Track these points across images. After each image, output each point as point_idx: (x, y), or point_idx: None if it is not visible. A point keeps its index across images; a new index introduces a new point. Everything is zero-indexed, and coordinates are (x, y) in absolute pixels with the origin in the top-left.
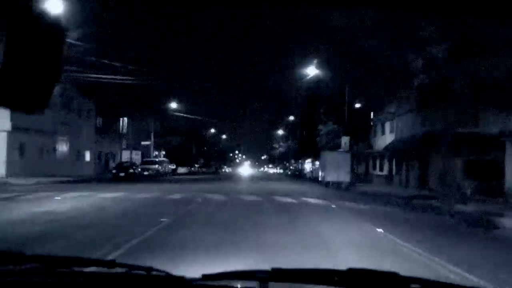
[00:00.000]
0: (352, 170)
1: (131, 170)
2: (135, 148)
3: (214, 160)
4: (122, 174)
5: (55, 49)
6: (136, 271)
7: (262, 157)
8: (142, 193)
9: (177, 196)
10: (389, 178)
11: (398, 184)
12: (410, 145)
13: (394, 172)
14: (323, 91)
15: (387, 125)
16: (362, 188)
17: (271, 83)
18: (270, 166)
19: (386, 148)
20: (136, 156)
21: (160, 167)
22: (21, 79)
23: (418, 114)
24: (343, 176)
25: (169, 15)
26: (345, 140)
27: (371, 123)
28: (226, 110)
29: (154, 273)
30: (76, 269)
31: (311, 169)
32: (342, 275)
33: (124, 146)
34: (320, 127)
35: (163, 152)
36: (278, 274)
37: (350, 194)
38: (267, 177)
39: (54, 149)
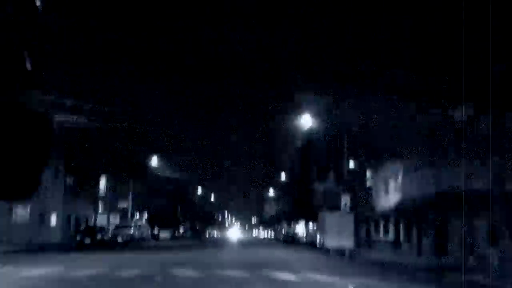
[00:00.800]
0: (356, 234)
1: (99, 236)
2: (112, 210)
3: (202, 223)
4: (88, 241)
5: (42, 138)
6: None
7: (253, 220)
8: (87, 269)
9: (131, 272)
10: (395, 243)
11: (408, 250)
12: (421, 206)
13: (402, 237)
14: (317, 144)
15: (392, 183)
16: (369, 255)
17: (261, 137)
18: (261, 229)
19: (392, 209)
20: (114, 220)
21: (135, 232)
22: (8, 168)
23: (429, 169)
24: (346, 241)
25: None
26: (345, 199)
27: (372, 182)
28: (215, 169)
29: None
30: None
31: (304, 232)
32: None
33: (101, 210)
34: (316, 185)
35: (146, 215)
36: None
37: (359, 264)
38: (258, 242)
39: (10, 211)
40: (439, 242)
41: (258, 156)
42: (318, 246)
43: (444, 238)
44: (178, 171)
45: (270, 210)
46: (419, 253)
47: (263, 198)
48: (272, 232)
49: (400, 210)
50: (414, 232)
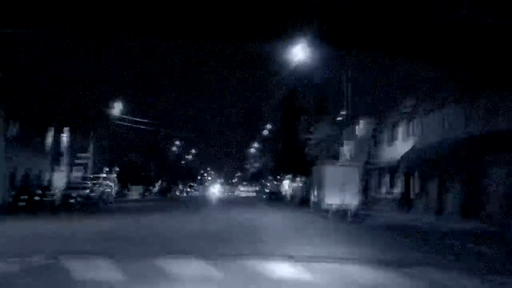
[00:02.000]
0: (364, 190)
1: (37, 197)
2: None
3: (178, 180)
4: (22, 203)
5: None
6: None
7: (236, 176)
8: None
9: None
10: (403, 201)
11: (423, 210)
12: (443, 153)
13: (413, 193)
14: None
15: (400, 130)
16: (376, 217)
17: (245, 84)
18: (245, 184)
19: (402, 159)
20: (77, 174)
21: (93, 192)
22: None
23: (455, 107)
24: (350, 199)
25: None
26: (347, 147)
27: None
28: (194, 120)
29: None
30: None
31: (290, 189)
32: None
33: (63, 165)
34: (309, 135)
35: (115, 172)
36: None
37: (371, 231)
38: (240, 201)
39: None
40: (468, 199)
41: (242, 110)
42: (312, 205)
43: (475, 195)
44: (149, 123)
45: (253, 166)
46: (439, 213)
47: (245, 154)
48: (256, 189)
49: (412, 160)
50: (432, 187)
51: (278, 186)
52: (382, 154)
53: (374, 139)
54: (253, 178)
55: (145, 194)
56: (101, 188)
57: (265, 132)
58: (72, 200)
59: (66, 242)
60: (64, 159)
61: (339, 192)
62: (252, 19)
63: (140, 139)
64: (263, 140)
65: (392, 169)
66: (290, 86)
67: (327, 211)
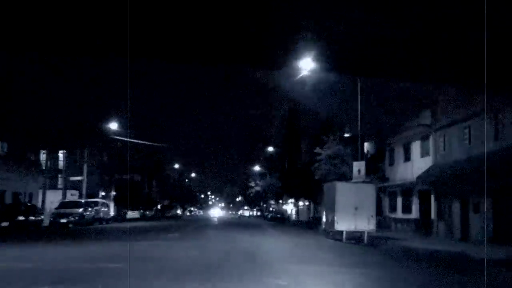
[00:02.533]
0: (378, 213)
1: (22, 217)
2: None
3: (183, 202)
4: (4, 224)
5: None
6: None
7: (237, 199)
8: None
9: None
10: (421, 224)
11: (444, 234)
12: (471, 171)
13: (434, 215)
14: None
15: (415, 147)
16: (394, 243)
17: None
18: (246, 208)
19: (419, 179)
20: (72, 197)
21: (87, 212)
22: None
23: (482, 119)
24: (365, 223)
25: None
26: (359, 166)
27: (386, 148)
28: (195, 143)
29: None
30: None
31: (294, 211)
32: None
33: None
34: (319, 151)
35: (113, 193)
36: None
37: (398, 260)
38: (244, 223)
39: None
40: (500, 222)
41: (243, 131)
42: (324, 229)
43: (508, 216)
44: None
45: (256, 187)
46: (464, 238)
47: (248, 176)
48: (258, 212)
49: (431, 179)
50: (455, 209)
51: (281, 208)
52: (395, 173)
53: (386, 157)
54: (255, 201)
55: (146, 213)
56: (96, 208)
57: (268, 152)
58: (63, 220)
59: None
60: (58, 180)
61: (353, 214)
62: (254, 45)
63: (139, 158)
64: (266, 162)
65: (408, 190)
66: (292, 103)
67: (337, 235)
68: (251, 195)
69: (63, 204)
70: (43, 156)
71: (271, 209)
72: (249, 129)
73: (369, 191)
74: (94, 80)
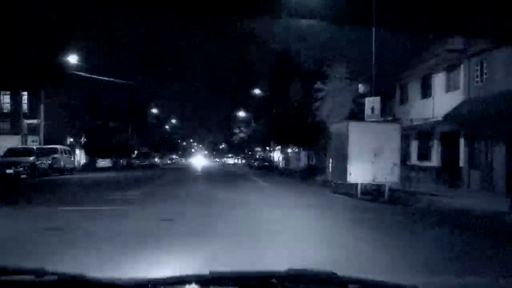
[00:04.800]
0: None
1: None
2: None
3: (163, 150)
4: None
5: None
6: (66, 279)
7: (221, 146)
8: None
9: None
10: (445, 173)
11: (479, 186)
12: None
13: (463, 161)
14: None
15: (438, 80)
16: (425, 199)
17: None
18: (230, 156)
19: (447, 118)
20: (34, 143)
21: (40, 161)
22: None
23: None
24: (387, 174)
25: None
26: (373, 102)
27: (395, 84)
28: (176, 88)
29: (86, 280)
30: (2, 278)
31: (280, 158)
32: (280, 277)
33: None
34: (319, 86)
35: (84, 139)
36: (218, 278)
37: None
38: (229, 173)
39: None
40: None
41: (228, 75)
42: (330, 180)
43: None
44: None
45: (240, 134)
46: (511, 191)
47: (232, 122)
48: (243, 160)
49: (465, 117)
50: (498, 154)
51: (269, 155)
52: (408, 113)
53: (397, 95)
54: (239, 148)
55: (119, 162)
56: (54, 156)
57: (254, 95)
58: (9, 171)
59: None
60: (6, 125)
61: (371, 162)
62: None
63: (112, 101)
64: (251, 107)
65: (427, 132)
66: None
67: (350, 187)
68: (235, 142)
69: (11, 152)
70: (1, 97)
71: (257, 156)
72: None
73: (393, 132)
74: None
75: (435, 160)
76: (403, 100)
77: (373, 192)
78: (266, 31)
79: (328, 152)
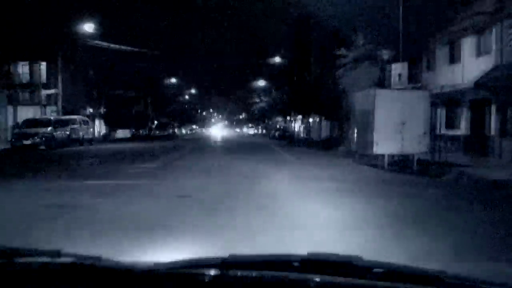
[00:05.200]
0: (432, 129)
1: None
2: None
3: (182, 120)
4: None
5: None
6: (83, 261)
7: (240, 116)
8: None
9: None
10: (474, 142)
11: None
12: None
13: (494, 130)
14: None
15: (467, 44)
16: (456, 170)
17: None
18: (250, 126)
19: (481, 81)
20: (53, 114)
21: (58, 131)
22: None
23: None
24: (415, 144)
25: None
26: (400, 69)
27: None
28: (194, 57)
29: (103, 263)
30: (17, 260)
31: (301, 128)
32: (302, 260)
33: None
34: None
35: (103, 110)
36: (236, 261)
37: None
38: (249, 144)
39: None
40: None
41: (246, 41)
42: (355, 151)
43: None
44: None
45: (260, 103)
46: None
47: (251, 91)
48: (262, 129)
49: (498, 83)
50: None
51: (289, 125)
52: (435, 80)
53: (423, 61)
54: (259, 118)
55: (138, 133)
56: (73, 127)
57: (274, 64)
58: (27, 142)
59: None
60: (25, 95)
61: (399, 131)
62: None
63: (130, 71)
64: (271, 75)
65: (455, 99)
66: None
67: (375, 158)
68: (255, 112)
69: (28, 122)
70: (21, 68)
71: (278, 126)
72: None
73: (421, 100)
74: None
75: (463, 129)
76: (430, 66)
77: (400, 163)
78: None
79: (352, 122)
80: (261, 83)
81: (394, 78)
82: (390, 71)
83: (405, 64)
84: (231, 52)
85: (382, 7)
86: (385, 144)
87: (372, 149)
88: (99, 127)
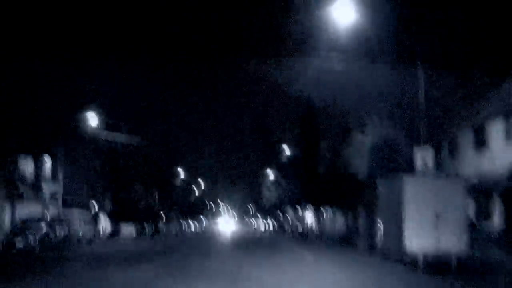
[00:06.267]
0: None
1: None
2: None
3: (191, 215)
4: None
5: None
6: None
7: (250, 209)
8: None
9: None
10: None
11: None
12: None
13: None
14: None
15: (496, 127)
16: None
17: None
18: (260, 219)
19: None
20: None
21: (57, 230)
22: None
23: None
24: (454, 240)
25: None
26: (425, 154)
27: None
28: (193, 147)
29: None
30: None
31: (314, 222)
32: None
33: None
34: (361, 136)
35: (110, 206)
36: None
37: None
38: (267, 245)
39: None
40: None
41: (251, 131)
42: (382, 247)
43: None
44: (144, 144)
45: (270, 196)
46: None
47: (259, 183)
48: (274, 223)
49: None
50: None
51: (306, 219)
52: (458, 167)
53: (444, 147)
54: (270, 210)
55: (145, 229)
56: (72, 227)
57: (284, 156)
58: (20, 245)
59: None
60: (27, 190)
61: (433, 225)
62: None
63: (137, 163)
64: (281, 167)
65: (484, 188)
66: (307, 101)
67: (404, 255)
68: (265, 203)
69: (22, 222)
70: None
71: (290, 222)
72: (261, 131)
73: (457, 189)
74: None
75: (496, 221)
76: (453, 152)
77: (434, 263)
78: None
79: (377, 214)
80: (271, 176)
81: (419, 164)
82: (411, 157)
83: (429, 149)
84: (239, 141)
85: (396, 86)
86: (418, 241)
87: (403, 247)
88: (104, 223)
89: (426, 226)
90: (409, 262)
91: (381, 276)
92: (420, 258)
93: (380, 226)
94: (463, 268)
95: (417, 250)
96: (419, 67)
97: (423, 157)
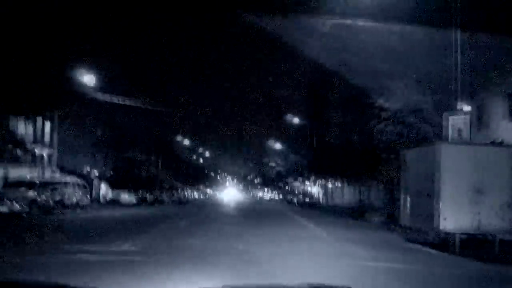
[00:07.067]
0: None
1: None
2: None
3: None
4: None
5: None
6: None
7: (256, 181)
8: None
9: None
10: None
11: None
12: None
13: None
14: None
15: None
16: None
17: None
18: (266, 190)
19: None
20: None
21: (44, 196)
22: None
23: None
24: (497, 218)
25: None
26: (460, 122)
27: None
28: (206, 115)
29: None
30: None
31: (320, 194)
32: None
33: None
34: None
35: (111, 172)
36: None
37: None
38: (266, 211)
39: None
40: None
41: (258, 99)
42: (406, 224)
43: None
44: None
45: (277, 167)
46: None
47: (266, 153)
48: (279, 194)
49: None
50: None
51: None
52: (492, 138)
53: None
54: (275, 182)
55: (146, 198)
56: (63, 191)
57: (292, 125)
58: (4, 209)
59: None
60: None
61: (473, 201)
62: None
63: (140, 130)
64: (288, 137)
65: None
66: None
67: (436, 236)
68: (271, 175)
69: (10, 185)
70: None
71: (296, 191)
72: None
73: (501, 160)
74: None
75: None
76: (481, 123)
77: (471, 244)
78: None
79: (402, 187)
80: (277, 145)
81: (451, 134)
82: (445, 125)
83: (467, 116)
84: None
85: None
86: (454, 218)
87: (436, 224)
88: (104, 191)
89: (465, 202)
90: (440, 243)
91: (396, 254)
92: (457, 238)
93: (405, 201)
94: (507, 251)
95: (454, 229)
96: (457, 29)
97: (456, 124)
